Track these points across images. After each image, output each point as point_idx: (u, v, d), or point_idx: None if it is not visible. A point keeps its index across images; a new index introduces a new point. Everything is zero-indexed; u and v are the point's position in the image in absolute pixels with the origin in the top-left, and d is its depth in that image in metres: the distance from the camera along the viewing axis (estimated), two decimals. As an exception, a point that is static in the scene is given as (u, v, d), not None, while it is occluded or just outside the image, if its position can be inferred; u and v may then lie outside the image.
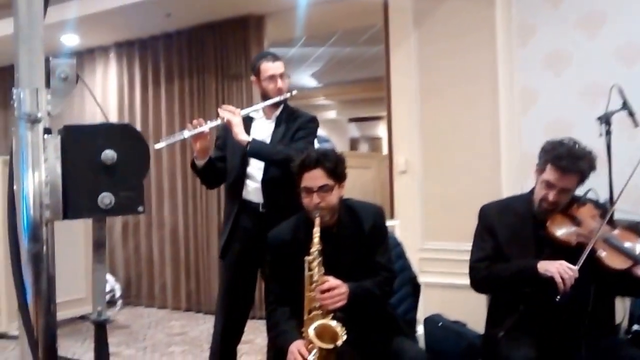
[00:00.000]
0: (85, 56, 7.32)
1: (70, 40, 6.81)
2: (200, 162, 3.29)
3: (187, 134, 3.13)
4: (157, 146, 3.08)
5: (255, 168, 3.29)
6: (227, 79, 6.22)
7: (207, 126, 3.16)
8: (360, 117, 12.81)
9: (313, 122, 3.43)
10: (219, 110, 3.29)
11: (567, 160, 2.60)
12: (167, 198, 6.63)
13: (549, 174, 2.64)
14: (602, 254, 2.57)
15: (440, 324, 3.44)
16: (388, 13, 4.71)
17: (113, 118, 7.14)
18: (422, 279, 4.32)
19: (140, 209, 1.14)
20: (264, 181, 3.26)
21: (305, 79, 11.03)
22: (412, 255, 4.42)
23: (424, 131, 4.50)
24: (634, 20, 3.88)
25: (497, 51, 4.23)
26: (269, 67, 3.35)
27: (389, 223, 4.55)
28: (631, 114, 3.27)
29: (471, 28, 4.34)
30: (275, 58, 3.39)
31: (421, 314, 3.41)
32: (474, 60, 4.31)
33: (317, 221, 2.51)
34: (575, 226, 2.65)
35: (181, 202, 6.57)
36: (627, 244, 2.60)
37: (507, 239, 2.75)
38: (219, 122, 3.22)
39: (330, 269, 2.49)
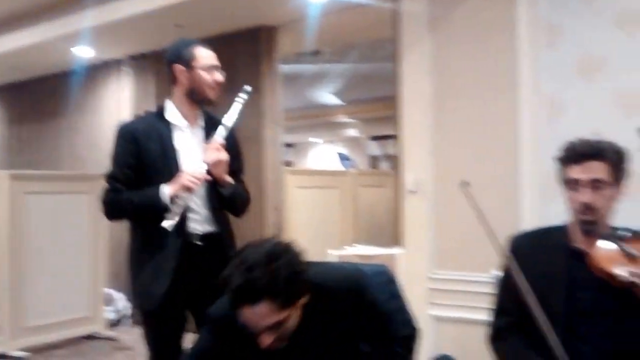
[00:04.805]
0: (100, 68, 6.93)
1: (84, 52, 6.36)
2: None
3: (184, 200, 2.36)
4: (166, 224, 2.31)
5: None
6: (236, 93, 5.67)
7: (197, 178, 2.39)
8: (381, 135, 12.19)
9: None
10: (202, 161, 2.42)
11: (580, 146, 2.02)
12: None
13: (569, 172, 2.03)
14: None
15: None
16: (398, 20, 3.98)
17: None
18: (431, 311, 3.67)
19: None
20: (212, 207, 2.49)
21: (326, 96, 10.52)
22: (420, 285, 3.74)
23: (436, 147, 3.76)
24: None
25: (519, 56, 3.50)
26: (209, 55, 2.52)
27: (391, 251, 3.88)
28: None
29: (491, 30, 3.62)
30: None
31: (429, 354, 2.77)
32: (492, 67, 3.59)
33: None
34: (629, 262, 1.92)
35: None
36: None
37: (535, 280, 1.99)
38: (204, 170, 2.41)
39: None
